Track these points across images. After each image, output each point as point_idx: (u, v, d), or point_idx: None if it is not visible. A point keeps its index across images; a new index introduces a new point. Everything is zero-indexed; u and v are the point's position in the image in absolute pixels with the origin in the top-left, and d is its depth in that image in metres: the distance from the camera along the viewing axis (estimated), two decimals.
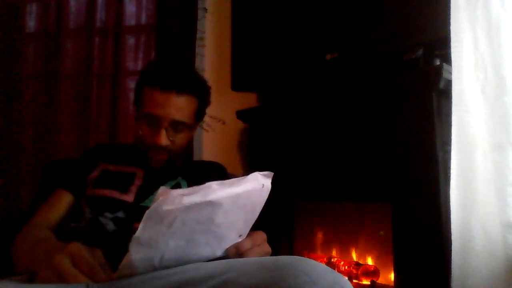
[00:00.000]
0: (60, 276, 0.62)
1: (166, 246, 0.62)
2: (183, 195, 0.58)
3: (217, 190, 0.60)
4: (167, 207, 0.57)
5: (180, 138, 1.02)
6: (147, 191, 0.99)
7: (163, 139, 0.97)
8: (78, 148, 1.73)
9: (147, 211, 0.57)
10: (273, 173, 0.69)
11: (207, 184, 0.61)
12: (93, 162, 1.07)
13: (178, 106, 0.98)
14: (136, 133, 1.04)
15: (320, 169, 1.37)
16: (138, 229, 0.58)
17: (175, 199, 0.57)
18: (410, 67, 1.18)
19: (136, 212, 0.94)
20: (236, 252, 0.74)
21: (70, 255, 0.64)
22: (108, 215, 0.93)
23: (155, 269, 0.64)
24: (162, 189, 0.58)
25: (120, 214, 0.94)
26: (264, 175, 0.68)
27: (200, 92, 1.05)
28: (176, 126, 0.99)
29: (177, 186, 1.04)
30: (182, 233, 0.62)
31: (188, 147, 1.67)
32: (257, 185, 0.67)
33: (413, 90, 1.16)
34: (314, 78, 1.45)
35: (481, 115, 1.01)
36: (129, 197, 0.97)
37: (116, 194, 0.97)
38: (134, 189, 0.99)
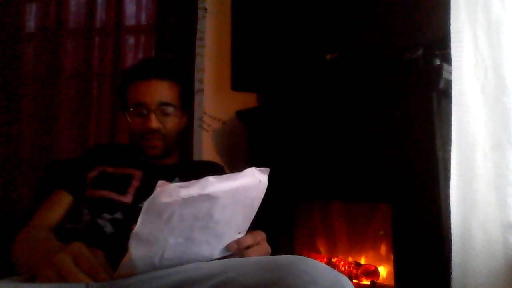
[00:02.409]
0: (61, 274, 0.62)
1: (165, 243, 0.62)
2: (181, 187, 0.58)
3: (214, 183, 0.61)
4: (164, 199, 0.57)
5: (170, 121, 1.06)
6: (145, 192, 0.99)
7: (154, 122, 1.01)
8: (78, 148, 1.73)
9: (145, 203, 0.58)
10: (269, 169, 0.70)
11: (204, 177, 0.61)
12: (91, 163, 1.07)
13: (161, 89, 1.04)
14: (129, 129, 1.06)
15: (320, 169, 1.37)
16: (137, 223, 0.58)
17: (173, 191, 0.58)
18: (410, 67, 1.18)
19: (134, 213, 0.94)
20: (237, 247, 0.74)
21: (72, 254, 0.64)
22: (106, 216, 0.93)
23: (155, 268, 0.64)
24: (160, 182, 0.59)
25: (118, 215, 0.94)
26: (261, 171, 0.69)
27: (179, 77, 1.10)
28: (163, 108, 1.04)
29: None
30: (181, 229, 0.62)
31: (188, 147, 1.68)
32: (254, 180, 0.67)
33: (413, 90, 1.15)
34: (314, 78, 1.45)
35: (481, 115, 1.00)
36: (127, 198, 0.98)
37: (114, 195, 0.97)
38: (132, 190, 1.00)
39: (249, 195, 0.70)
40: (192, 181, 0.60)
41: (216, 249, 0.72)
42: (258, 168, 0.69)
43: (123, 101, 1.11)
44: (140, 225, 0.58)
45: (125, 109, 1.09)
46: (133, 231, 0.59)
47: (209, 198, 0.61)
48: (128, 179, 1.02)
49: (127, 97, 1.08)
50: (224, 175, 0.65)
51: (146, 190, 1.00)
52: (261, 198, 0.73)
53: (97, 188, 1.00)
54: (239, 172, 0.66)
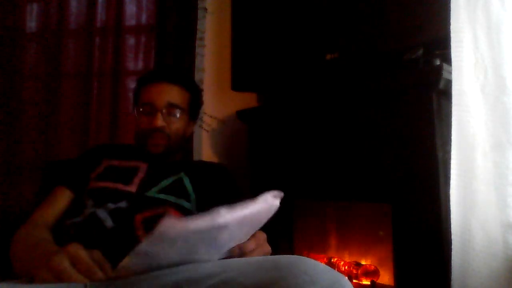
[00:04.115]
0: (58, 276, 0.62)
1: (166, 257, 0.62)
2: (189, 221, 0.58)
3: (225, 215, 0.60)
4: (171, 235, 0.57)
5: (176, 123, 1.08)
6: (150, 183, 1.01)
7: (159, 121, 1.04)
8: (78, 147, 1.73)
9: (151, 236, 0.57)
10: (283, 193, 0.69)
11: (216, 209, 0.61)
12: (96, 160, 1.08)
13: (171, 92, 1.07)
14: (135, 129, 1.09)
15: (320, 169, 1.37)
16: (141, 245, 0.58)
17: (181, 226, 0.58)
18: (410, 67, 1.18)
19: (139, 202, 0.95)
20: (239, 252, 0.74)
21: (68, 255, 0.64)
22: (111, 205, 0.93)
23: (154, 270, 0.64)
24: (167, 216, 0.59)
25: (123, 204, 0.94)
26: (274, 196, 0.68)
27: (191, 87, 1.14)
28: (170, 109, 1.06)
29: (180, 181, 1.05)
30: (185, 248, 0.62)
31: (187, 146, 1.68)
32: (265, 205, 0.67)
33: (413, 90, 1.15)
34: (314, 78, 1.45)
35: (481, 115, 1.00)
36: (132, 188, 0.99)
37: (119, 186, 0.98)
38: (137, 180, 1.01)
39: (258, 218, 0.70)
40: (202, 214, 0.60)
41: (215, 255, 0.72)
42: (271, 193, 0.68)
43: (136, 101, 1.14)
44: (144, 247, 0.59)
45: (136, 106, 1.12)
46: (135, 249, 0.59)
47: (217, 227, 0.61)
48: (133, 171, 1.04)
49: (139, 99, 1.11)
50: (236, 205, 0.64)
51: (152, 181, 1.02)
52: (269, 217, 0.72)
53: (102, 180, 1.01)
54: (253, 199, 0.66)
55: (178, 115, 1.07)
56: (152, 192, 0.99)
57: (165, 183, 1.02)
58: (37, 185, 1.33)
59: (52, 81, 1.79)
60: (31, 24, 1.85)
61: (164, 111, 1.05)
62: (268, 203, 0.67)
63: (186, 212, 1.00)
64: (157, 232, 0.56)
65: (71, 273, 0.62)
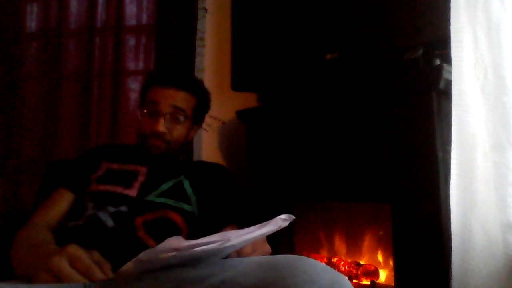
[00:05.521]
0: (58, 277, 0.63)
1: (168, 262, 0.63)
2: (197, 244, 0.58)
3: (234, 240, 0.61)
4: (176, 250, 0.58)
5: (178, 130, 1.07)
6: (150, 187, 1.01)
7: (161, 126, 1.03)
8: (78, 147, 1.73)
9: (158, 246, 0.58)
10: (294, 217, 0.68)
11: (224, 233, 0.61)
12: (96, 162, 1.08)
13: (177, 97, 1.06)
14: (137, 128, 1.09)
15: (320, 169, 1.37)
16: (144, 253, 0.59)
17: (188, 245, 0.58)
18: (410, 67, 1.18)
19: (139, 206, 0.96)
20: (236, 256, 0.74)
21: (67, 256, 0.65)
22: (111, 209, 0.94)
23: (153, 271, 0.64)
24: (175, 237, 0.59)
25: (123, 208, 0.95)
26: (285, 219, 0.68)
27: (198, 92, 1.13)
28: (174, 114, 1.05)
29: (180, 184, 1.05)
30: (187, 257, 0.63)
31: (188, 147, 1.68)
32: (274, 227, 0.67)
33: (413, 90, 1.15)
34: (314, 78, 1.44)
35: (481, 115, 1.00)
36: (132, 192, 0.99)
37: (119, 189, 0.98)
38: (137, 184, 1.01)
39: (264, 235, 0.70)
40: (212, 237, 0.60)
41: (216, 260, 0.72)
42: (283, 217, 0.68)
43: (142, 100, 1.13)
44: (147, 254, 0.59)
45: (141, 105, 1.12)
46: (139, 255, 0.60)
47: (223, 248, 0.62)
48: (133, 174, 1.04)
49: (145, 98, 1.11)
50: (246, 229, 0.64)
51: (152, 185, 1.02)
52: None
53: (102, 183, 1.01)
54: (264, 223, 0.66)
55: (181, 120, 1.07)
56: (152, 196, 0.99)
57: (165, 186, 1.03)
58: (37, 185, 1.33)
59: (52, 81, 1.78)
60: (31, 24, 1.84)
61: (167, 116, 1.04)
62: (277, 225, 0.67)
63: (186, 215, 1.00)
64: (164, 245, 0.57)
65: (71, 273, 0.63)
